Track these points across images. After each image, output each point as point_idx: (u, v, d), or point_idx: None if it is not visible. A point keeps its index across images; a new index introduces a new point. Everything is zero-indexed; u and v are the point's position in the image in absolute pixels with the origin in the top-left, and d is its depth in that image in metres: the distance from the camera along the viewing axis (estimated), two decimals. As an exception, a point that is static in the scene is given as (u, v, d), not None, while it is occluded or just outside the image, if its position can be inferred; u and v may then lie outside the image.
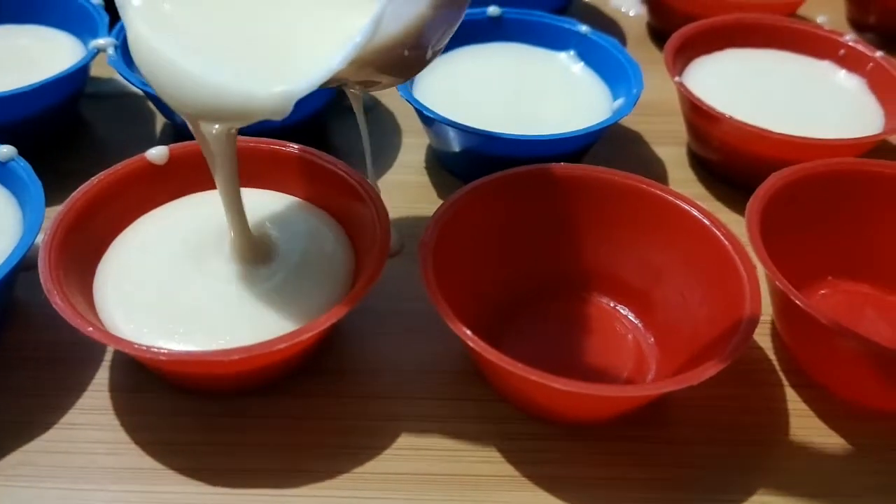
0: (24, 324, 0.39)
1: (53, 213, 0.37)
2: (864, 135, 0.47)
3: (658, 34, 0.65)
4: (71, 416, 0.36)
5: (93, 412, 0.36)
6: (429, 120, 0.47)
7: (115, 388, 0.37)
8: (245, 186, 0.37)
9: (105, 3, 0.52)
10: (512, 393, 0.36)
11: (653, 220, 0.40)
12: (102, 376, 0.38)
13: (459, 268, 0.38)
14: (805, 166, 0.41)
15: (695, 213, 0.39)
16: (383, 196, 0.39)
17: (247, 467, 0.34)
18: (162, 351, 0.32)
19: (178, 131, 0.51)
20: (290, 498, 0.33)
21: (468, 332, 0.33)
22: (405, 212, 0.47)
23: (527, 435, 0.36)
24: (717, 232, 0.38)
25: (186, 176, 0.41)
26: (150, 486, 0.34)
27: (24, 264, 0.36)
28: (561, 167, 0.40)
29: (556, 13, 0.56)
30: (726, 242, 0.37)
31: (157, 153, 0.40)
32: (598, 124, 0.45)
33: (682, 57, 0.52)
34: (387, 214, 0.38)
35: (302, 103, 0.47)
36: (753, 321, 0.34)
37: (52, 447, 0.35)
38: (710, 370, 0.32)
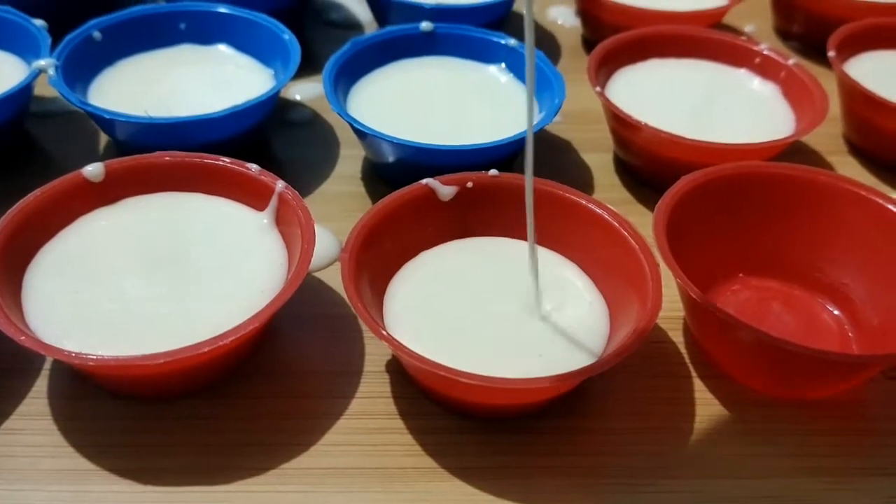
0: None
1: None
2: (774, 139, 0.49)
3: (591, 45, 0.67)
4: (10, 423, 0.38)
5: (31, 418, 0.38)
6: (361, 133, 0.49)
7: (54, 396, 0.39)
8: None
9: (48, 26, 0.53)
10: (430, 388, 0.38)
11: (566, 223, 0.42)
12: (41, 385, 0.39)
13: (382, 272, 0.40)
14: (712, 170, 0.44)
15: (605, 215, 0.41)
16: (321, 207, 0.40)
17: (178, 466, 0.36)
18: (90, 356, 0.33)
19: (119, 148, 0.52)
20: (219, 493, 0.35)
21: (384, 331, 0.35)
22: (343, 221, 0.49)
23: (448, 429, 0.38)
24: (624, 232, 0.40)
25: (121, 189, 0.43)
26: (84, 486, 0.35)
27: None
28: (476, 175, 0.43)
29: (493, 25, 0.58)
30: (633, 242, 0.40)
31: (93, 170, 0.42)
32: (520, 133, 0.47)
33: (607, 68, 0.55)
34: (311, 223, 0.39)
35: (240, 118, 0.49)
36: (652, 316, 0.36)
37: (-9, 452, 0.36)
38: (601, 366, 0.34)
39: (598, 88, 0.51)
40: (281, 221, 0.42)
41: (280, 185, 0.42)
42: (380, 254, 0.40)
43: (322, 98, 0.59)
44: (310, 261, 0.37)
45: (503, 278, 0.41)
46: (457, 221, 0.43)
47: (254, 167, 0.43)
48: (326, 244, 0.47)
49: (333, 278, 0.45)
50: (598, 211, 0.41)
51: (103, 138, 0.55)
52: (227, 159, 0.43)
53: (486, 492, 0.36)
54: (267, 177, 0.42)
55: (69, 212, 0.42)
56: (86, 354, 0.34)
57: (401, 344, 0.34)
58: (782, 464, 0.38)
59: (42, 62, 0.50)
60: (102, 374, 0.37)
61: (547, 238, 0.42)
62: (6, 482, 0.35)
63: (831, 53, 0.56)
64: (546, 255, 0.42)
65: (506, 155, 0.49)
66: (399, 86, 0.54)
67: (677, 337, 0.43)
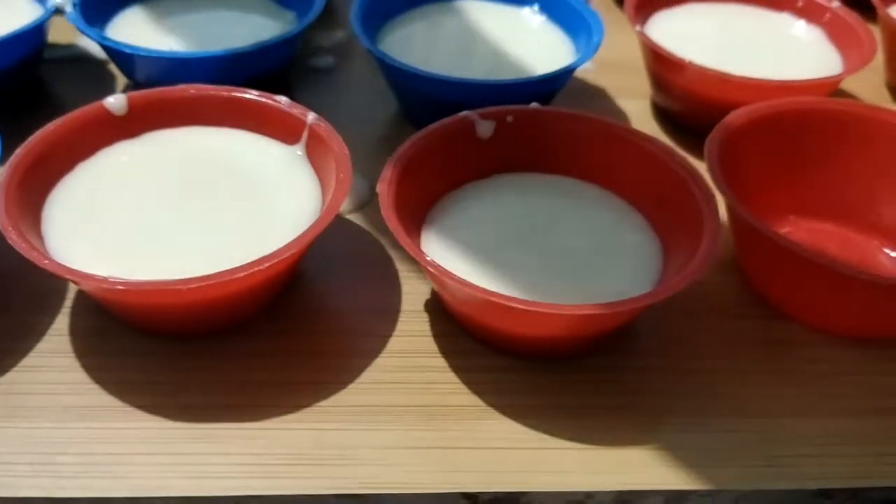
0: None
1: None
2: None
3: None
4: (29, 360, 0.35)
5: (52, 355, 0.36)
6: (394, 73, 0.47)
7: (75, 333, 0.37)
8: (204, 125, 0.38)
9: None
10: (475, 321, 0.36)
11: (615, 156, 0.40)
12: (61, 322, 0.37)
13: (418, 207, 0.38)
14: (765, 104, 0.42)
15: (653, 147, 0.39)
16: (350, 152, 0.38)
17: (208, 403, 0.34)
18: (119, 280, 0.31)
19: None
20: (252, 431, 0.33)
21: (427, 256, 0.33)
22: (372, 165, 0.47)
23: (492, 368, 0.36)
24: (674, 164, 0.38)
25: (144, 123, 0.41)
26: (111, 422, 0.33)
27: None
28: (517, 108, 0.41)
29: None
30: (684, 174, 0.38)
31: (115, 101, 0.40)
32: (558, 70, 0.45)
33: (644, 11, 0.53)
34: (346, 153, 0.37)
35: (266, 55, 0.47)
36: (713, 241, 0.34)
37: (10, 389, 0.34)
38: (663, 292, 0.32)
39: (638, 27, 0.49)
40: (313, 154, 0.40)
41: (311, 116, 0.40)
42: (417, 186, 0.38)
43: (343, 47, 0.57)
44: (348, 188, 0.35)
45: (548, 214, 0.39)
46: (496, 158, 0.41)
47: (283, 99, 0.41)
48: (356, 188, 0.45)
49: (364, 221, 0.43)
50: (647, 144, 0.39)
51: (120, 83, 0.53)
52: (254, 92, 0.41)
53: (536, 430, 0.34)
54: (297, 109, 0.40)
55: (89, 144, 0.40)
56: (115, 278, 0.31)
57: (446, 270, 0.32)
58: (842, 404, 0.36)
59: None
60: (130, 302, 0.34)
61: (595, 173, 0.41)
62: (27, 420, 0.33)
63: (875, -2, 0.54)
64: (595, 191, 0.40)
65: (539, 94, 0.47)
66: (427, 30, 0.52)
67: (725, 277, 0.41)
